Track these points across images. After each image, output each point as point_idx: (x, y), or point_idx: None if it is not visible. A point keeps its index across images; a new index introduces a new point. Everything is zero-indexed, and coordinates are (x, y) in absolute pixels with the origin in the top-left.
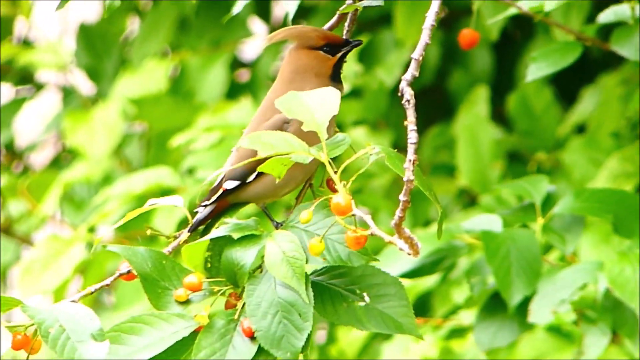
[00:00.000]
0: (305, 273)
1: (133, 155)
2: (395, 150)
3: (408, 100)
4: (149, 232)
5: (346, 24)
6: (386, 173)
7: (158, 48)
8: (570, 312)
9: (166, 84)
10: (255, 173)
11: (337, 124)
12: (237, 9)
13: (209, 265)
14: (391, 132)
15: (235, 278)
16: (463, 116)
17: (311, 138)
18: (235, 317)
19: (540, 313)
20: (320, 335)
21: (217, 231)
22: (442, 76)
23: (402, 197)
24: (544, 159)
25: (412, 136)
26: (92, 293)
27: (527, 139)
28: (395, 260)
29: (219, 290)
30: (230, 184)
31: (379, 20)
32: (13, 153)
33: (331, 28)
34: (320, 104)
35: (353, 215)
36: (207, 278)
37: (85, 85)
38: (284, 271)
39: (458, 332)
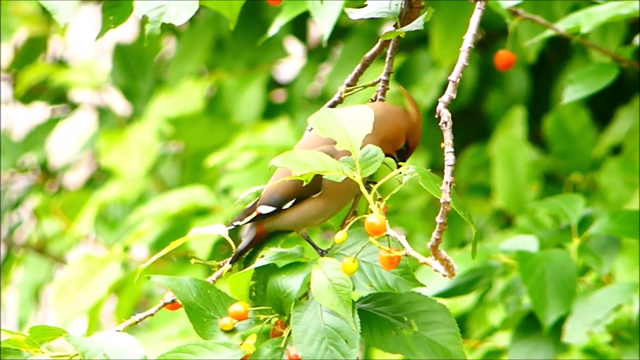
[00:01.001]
0: (352, 300)
1: (168, 175)
2: (430, 170)
3: (445, 122)
4: (193, 261)
5: (389, 51)
6: (422, 194)
7: (194, 68)
8: (605, 333)
9: (202, 104)
10: (292, 201)
11: None
12: (273, 29)
13: (253, 294)
14: (428, 153)
15: (281, 306)
16: (499, 137)
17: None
18: (282, 345)
19: (575, 333)
20: None
21: (261, 260)
22: (479, 98)
23: (438, 219)
24: (579, 180)
25: (450, 158)
26: (136, 323)
27: (563, 161)
28: (430, 280)
29: (265, 319)
30: (265, 209)
31: (415, 40)
32: (47, 173)
33: (374, 55)
34: (354, 123)
35: (387, 235)
36: (253, 307)
37: (120, 105)
38: (331, 299)
39: (493, 354)
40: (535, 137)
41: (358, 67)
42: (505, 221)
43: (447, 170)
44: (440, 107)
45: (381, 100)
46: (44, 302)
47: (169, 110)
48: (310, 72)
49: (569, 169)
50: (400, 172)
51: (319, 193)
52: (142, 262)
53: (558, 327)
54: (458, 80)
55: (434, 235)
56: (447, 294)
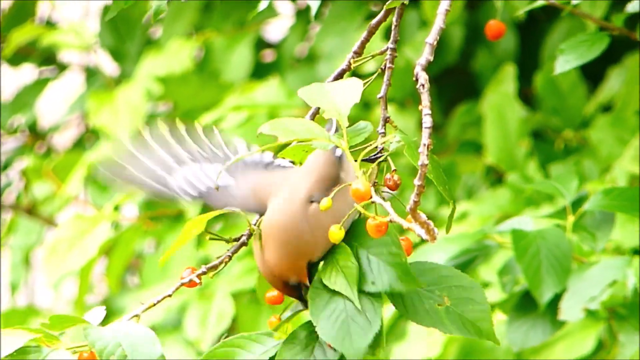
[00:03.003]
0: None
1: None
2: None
3: (423, 85)
4: (208, 237)
5: (394, 19)
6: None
7: (184, 29)
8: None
9: (191, 64)
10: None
11: (365, 102)
12: (264, 4)
13: None
14: (418, 111)
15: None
16: (490, 94)
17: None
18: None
19: (570, 311)
20: None
21: None
22: (467, 56)
23: (416, 182)
24: (570, 137)
25: (427, 120)
26: (154, 305)
27: (553, 118)
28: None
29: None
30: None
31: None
32: (36, 134)
33: (379, 22)
34: (342, 92)
35: (373, 202)
36: None
37: (109, 66)
38: (339, 283)
39: None
40: (523, 95)
41: (364, 34)
42: (496, 178)
43: (425, 133)
44: (418, 69)
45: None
46: (35, 265)
47: (158, 70)
48: (299, 31)
49: (559, 126)
50: (387, 141)
51: None
52: (132, 221)
53: (555, 305)
54: (435, 42)
55: (412, 197)
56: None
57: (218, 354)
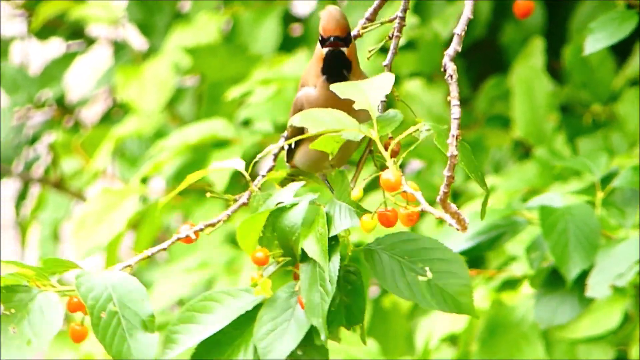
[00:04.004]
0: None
1: (184, 111)
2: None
3: (451, 76)
4: (208, 194)
5: None
6: (441, 124)
7: (213, 3)
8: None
9: (219, 38)
10: (294, 142)
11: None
12: None
13: (260, 234)
14: (446, 85)
15: (289, 246)
16: (519, 68)
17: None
18: (296, 288)
19: (598, 288)
20: (373, 290)
21: (271, 203)
22: (494, 30)
23: (446, 173)
24: (598, 111)
25: (455, 111)
26: (148, 257)
27: (582, 91)
28: (452, 238)
29: (282, 261)
30: (285, 147)
31: None
32: (64, 108)
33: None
34: (373, 86)
35: (404, 191)
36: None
37: (136, 40)
38: (314, 249)
39: (510, 284)
40: (551, 69)
41: (377, 1)
42: (524, 151)
43: (454, 124)
44: (446, 59)
45: (398, 36)
46: (63, 239)
47: (186, 43)
48: (327, 5)
49: (588, 100)
50: (417, 129)
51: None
52: (160, 195)
53: (582, 282)
54: (463, 33)
55: (442, 189)
56: (471, 251)
57: (197, 307)
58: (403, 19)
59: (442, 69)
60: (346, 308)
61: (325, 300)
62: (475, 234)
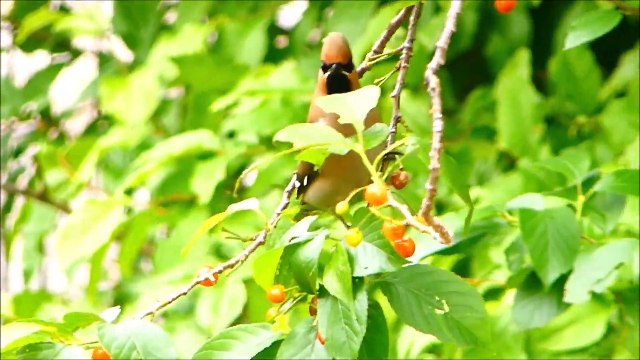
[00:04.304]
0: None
1: (169, 123)
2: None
3: (433, 89)
4: (224, 236)
5: (411, 18)
6: (424, 135)
7: (198, 15)
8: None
9: (204, 49)
10: (305, 178)
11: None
12: None
13: (277, 272)
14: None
15: (306, 281)
16: (504, 79)
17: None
18: (314, 323)
19: (576, 293)
20: None
21: (286, 239)
22: (480, 42)
23: (428, 186)
24: (583, 122)
25: (437, 124)
26: (169, 303)
27: (567, 103)
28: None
29: (298, 297)
30: (296, 183)
31: None
32: (49, 120)
33: (399, 22)
34: (358, 100)
35: (389, 206)
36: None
37: (122, 52)
38: (336, 287)
39: (493, 293)
40: (537, 80)
41: (384, 34)
42: (509, 163)
43: (436, 137)
44: (428, 73)
45: (405, 67)
46: (48, 251)
47: (171, 54)
48: (312, 17)
49: (573, 112)
50: (403, 144)
51: (320, 172)
52: (145, 207)
53: (561, 285)
54: (446, 46)
55: (425, 202)
56: (450, 251)
57: (215, 345)
58: (410, 49)
59: (424, 82)
60: (367, 343)
61: (353, 340)
62: (455, 234)
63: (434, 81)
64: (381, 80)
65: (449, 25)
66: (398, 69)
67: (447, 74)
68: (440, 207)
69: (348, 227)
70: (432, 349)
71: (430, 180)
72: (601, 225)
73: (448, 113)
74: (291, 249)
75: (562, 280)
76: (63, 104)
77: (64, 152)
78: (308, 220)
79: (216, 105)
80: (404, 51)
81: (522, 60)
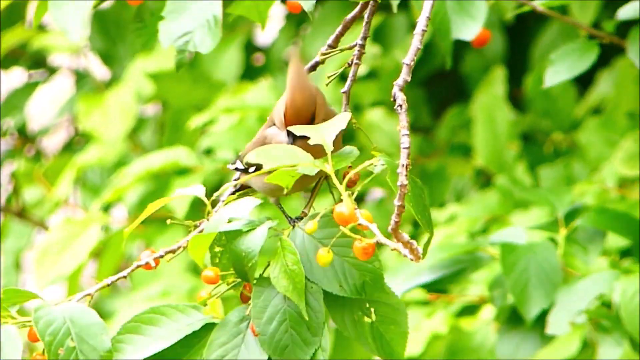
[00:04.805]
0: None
1: (147, 140)
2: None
3: (400, 105)
4: (169, 221)
5: (366, 15)
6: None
7: None
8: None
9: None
10: (254, 168)
11: (355, 105)
12: None
13: (217, 260)
14: (408, 113)
15: (244, 270)
16: (480, 97)
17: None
18: (247, 312)
19: (557, 324)
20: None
21: (227, 225)
22: (456, 59)
23: (396, 202)
24: (560, 139)
25: (405, 141)
26: (108, 285)
27: (543, 120)
28: (415, 272)
29: (232, 282)
30: (238, 165)
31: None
32: (25, 137)
33: (354, 17)
34: (329, 125)
35: (359, 224)
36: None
37: (98, 70)
38: (285, 284)
39: (469, 310)
40: (513, 97)
41: (339, 29)
42: (485, 180)
43: (403, 153)
44: (395, 90)
45: (357, 64)
46: (25, 268)
47: (148, 71)
48: (287, 35)
49: (549, 129)
50: (372, 164)
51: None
52: (122, 224)
53: (544, 317)
54: (412, 63)
55: (393, 218)
56: (432, 285)
57: (143, 319)
58: (363, 46)
59: (391, 99)
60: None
61: (303, 350)
62: (437, 266)
63: (401, 98)
64: (333, 75)
65: (415, 43)
66: (350, 65)
67: (424, 91)
68: (417, 224)
69: (290, 219)
70: None
71: (398, 197)
72: (583, 258)
73: (425, 130)
74: (232, 236)
75: (544, 313)
76: (40, 121)
77: (41, 169)
78: (250, 202)
79: (193, 122)
80: (357, 48)
81: (498, 78)
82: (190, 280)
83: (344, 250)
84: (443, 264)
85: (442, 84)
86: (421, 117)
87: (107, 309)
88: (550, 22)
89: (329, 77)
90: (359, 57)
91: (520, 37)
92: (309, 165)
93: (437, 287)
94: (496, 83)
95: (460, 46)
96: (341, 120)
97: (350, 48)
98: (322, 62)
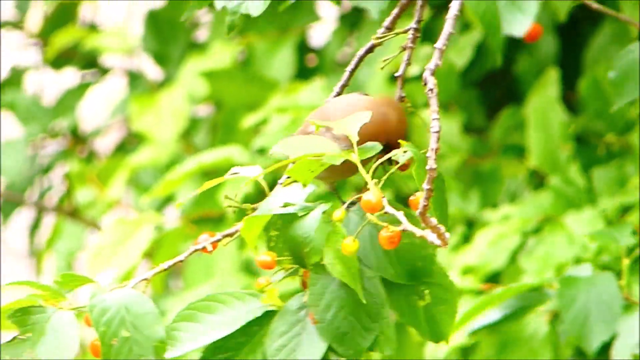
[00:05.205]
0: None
1: (200, 141)
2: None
3: (431, 90)
4: (225, 203)
5: (418, 6)
6: (455, 154)
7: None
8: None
9: (234, 66)
10: None
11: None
12: None
13: (272, 244)
14: (462, 114)
15: (301, 256)
16: (534, 98)
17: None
18: (304, 300)
19: (621, 357)
20: None
21: (280, 209)
22: (509, 61)
23: (425, 186)
24: (613, 141)
25: (435, 125)
26: (165, 270)
27: (596, 122)
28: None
29: (290, 269)
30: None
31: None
32: (77, 138)
33: (402, 9)
34: (353, 119)
35: (386, 213)
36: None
37: (151, 70)
38: (340, 269)
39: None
40: (565, 100)
41: (395, 11)
42: (538, 181)
43: (433, 137)
44: (427, 74)
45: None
46: (78, 270)
47: (202, 69)
48: (341, 37)
49: (602, 130)
50: (397, 154)
51: None
52: (175, 224)
53: (607, 350)
54: (444, 47)
55: (421, 202)
56: (498, 324)
57: (199, 307)
58: (417, 30)
59: (422, 83)
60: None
61: (362, 336)
62: (502, 306)
63: (432, 82)
64: (388, 60)
65: (447, 27)
66: (404, 49)
67: (477, 92)
68: (470, 224)
69: (344, 202)
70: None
71: (428, 180)
72: None
73: (478, 131)
74: (288, 220)
75: (607, 346)
76: (92, 122)
77: (94, 170)
78: (306, 188)
79: (246, 122)
80: (411, 31)
81: (551, 79)
82: (243, 280)
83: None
84: (508, 303)
85: (495, 85)
86: (475, 118)
87: (160, 309)
88: (603, 23)
89: (384, 61)
90: (413, 41)
91: (573, 38)
92: (334, 155)
93: (501, 325)
94: (550, 84)
95: (513, 47)
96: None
97: (405, 32)
98: (381, 44)
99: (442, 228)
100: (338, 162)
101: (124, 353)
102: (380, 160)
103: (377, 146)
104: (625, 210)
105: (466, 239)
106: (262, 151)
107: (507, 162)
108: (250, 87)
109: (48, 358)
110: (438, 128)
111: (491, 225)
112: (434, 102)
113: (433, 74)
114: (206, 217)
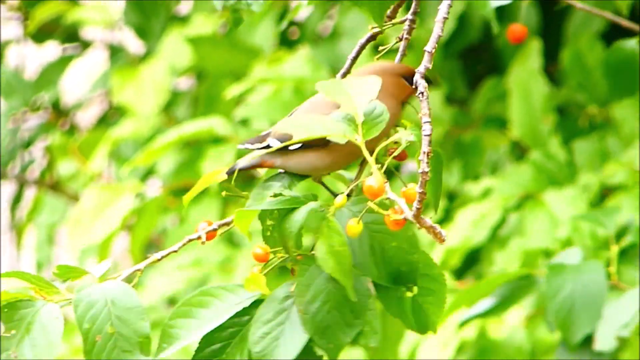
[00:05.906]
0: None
1: (181, 113)
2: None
3: (422, 93)
4: (224, 193)
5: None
6: (437, 125)
7: (210, 7)
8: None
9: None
10: (299, 145)
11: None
12: None
13: (268, 234)
14: (445, 85)
15: (287, 247)
16: (515, 69)
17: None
18: (291, 290)
19: (604, 340)
20: None
21: (268, 203)
22: (491, 33)
23: (418, 189)
24: (594, 113)
25: (427, 128)
26: (159, 260)
27: (578, 93)
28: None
29: (281, 258)
30: (273, 143)
31: None
32: (59, 111)
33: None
34: (359, 90)
35: (388, 198)
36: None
37: (133, 44)
38: (332, 265)
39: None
40: (547, 71)
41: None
42: (520, 153)
43: (425, 141)
44: (417, 77)
45: (407, 38)
46: (59, 242)
47: (182, 46)
48: (322, 10)
49: (584, 102)
50: (400, 137)
51: (327, 146)
52: (157, 194)
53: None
54: (433, 50)
55: (415, 205)
56: (489, 313)
57: (193, 302)
58: (413, 21)
59: (413, 86)
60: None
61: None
62: (492, 295)
63: (422, 85)
64: (384, 49)
65: (437, 30)
66: (400, 40)
67: (459, 63)
68: (452, 197)
69: (335, 195)
70: None
71: (420, 184)
72: (634, 274)
73: (460, 102)
74: (283, 211)
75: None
76: (74, 95)
77: (76, 143)
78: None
79: (230, 92)
80: (407, 23)
81: (533, 50)
82: (223, 250)
83: (386, 238)
84: (498, 292)
85: (477, 57)
86: (457, 89)
87: (141, 281)
88: None
89: (379, 51)
90: (409, 32)
91: (554, 11)
92: (339, 135)
93: (493, 314)
94: (532, 55)
95: (495, 19)
96: (372, 87)
97: (401, 22)
98: (382, 32)
99: (438, 227)
100: (343, 141)
101: (106, 350)
102: (385, 143)
103: (385, 115)
104: (607, 190)
105: (447, 213)
106: (244, 122)
107: (488, 133)
108: (234, 54)
109: (33, 358)
110: (429, 131)
111: (472, 203)
112: (424, 106)
113: (423, 77)
114: (187, 187)
